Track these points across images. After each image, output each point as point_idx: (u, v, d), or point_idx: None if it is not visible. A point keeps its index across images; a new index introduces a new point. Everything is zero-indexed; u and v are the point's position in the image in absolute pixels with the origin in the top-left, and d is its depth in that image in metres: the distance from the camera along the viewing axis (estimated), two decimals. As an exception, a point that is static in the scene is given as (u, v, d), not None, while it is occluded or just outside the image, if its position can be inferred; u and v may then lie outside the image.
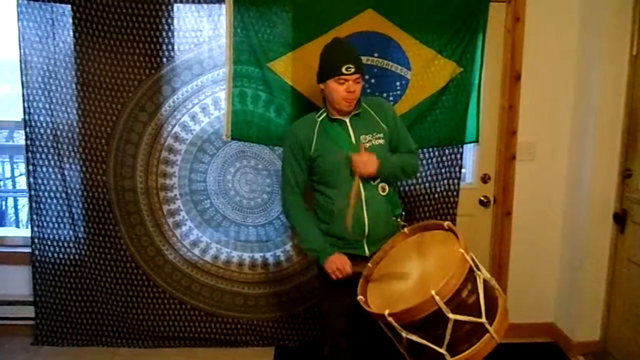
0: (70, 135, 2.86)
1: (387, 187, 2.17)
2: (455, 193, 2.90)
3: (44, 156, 2.88)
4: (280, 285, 3.05)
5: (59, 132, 2.85)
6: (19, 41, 2.75)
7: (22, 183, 4.85)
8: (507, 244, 3.07)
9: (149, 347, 3.04)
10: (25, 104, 2.82)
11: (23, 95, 2.81)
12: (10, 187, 5.02)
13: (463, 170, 2.97)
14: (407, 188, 2.91)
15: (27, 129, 2.85)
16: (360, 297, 1.89)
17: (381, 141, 2.15)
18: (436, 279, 1.71)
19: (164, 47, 2.76)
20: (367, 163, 2.06)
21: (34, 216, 2.95)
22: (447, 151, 2.86)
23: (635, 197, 2.67)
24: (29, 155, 2.88)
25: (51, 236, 2.97)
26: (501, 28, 2.87)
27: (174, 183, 2.93)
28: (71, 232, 2.96)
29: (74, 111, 2.83)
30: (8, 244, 3.17)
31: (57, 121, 2.84)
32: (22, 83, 2.79)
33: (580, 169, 2.89)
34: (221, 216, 3.00)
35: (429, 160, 2.89)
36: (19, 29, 2.74)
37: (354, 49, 2.15)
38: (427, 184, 2.91)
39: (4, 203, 5.03)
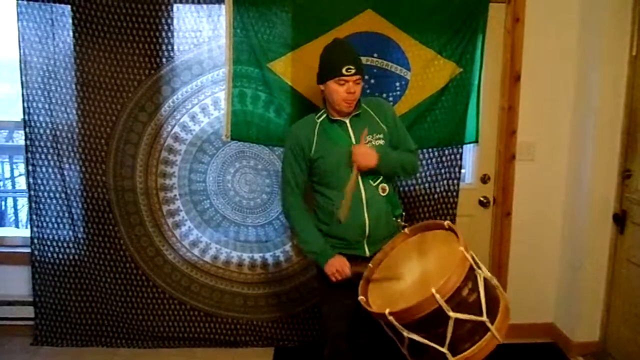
0: (69, 135, 2.85)
1: (387, 187, 2.17)
2: (455, 193, 2.90)
3: (43, 156, 2.88)
4: (279, 285, 3.05)
5: (58, 132, 2.85)
6: (19, 41, 2.75)
7: (21, 183, 4.85)
8: (506, 244, 3.07)
9: (148, 347, 3.03)
10: (25, 104, 2.82)
11: (23, 95, 2.81)
12: (9, 187, 5.02)
13: (463, 171, 2.97)
14: (407, 188, 2.91)
15: (27, 129, 2.85)
16: (361, 297, 1.89)
17: (381, 142, 2.15)
18: (436, 277, 1.71)
19: (164, 47, 2.76)
20: (367, 155, 2.05)
21: (34, 216, 2.95)
22: (446, 151, 2.86)
23: (634, 198, 2.67)
24: (29, 155, 2.88)
25: (51, 236, 2.96)
26: (501, 28, 2.87)
27: (173, 183, 2.93)
28: (71, 233, 2.96)
29: (74, 111, 2.83)
30: (7, 244, 3.17)
31: (57, 121, 2.84)
32: (22, 83, 2.79)
33: (580, 169, 2.89)
34: (221, 216, 2.99)
35: (429, 161, 2.89)
36: (18, 29, 2.73)
37: (354, 49, 2.14)
38: (426, 185, 2.91)
39: (3, 203, 5.03)
